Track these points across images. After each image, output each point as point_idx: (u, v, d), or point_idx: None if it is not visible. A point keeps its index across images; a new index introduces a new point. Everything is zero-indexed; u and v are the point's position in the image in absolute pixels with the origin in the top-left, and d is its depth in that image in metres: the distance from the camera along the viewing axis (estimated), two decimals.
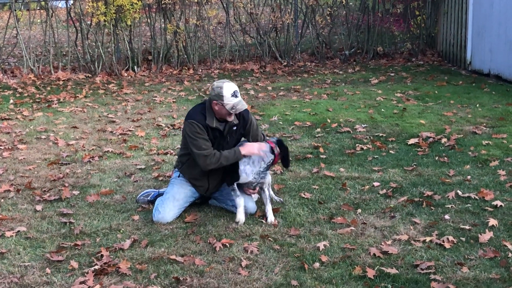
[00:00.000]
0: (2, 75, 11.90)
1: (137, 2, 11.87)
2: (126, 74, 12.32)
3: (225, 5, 13.10)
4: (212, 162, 5.02)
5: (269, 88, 10.81)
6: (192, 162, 5.19)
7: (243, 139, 5.36)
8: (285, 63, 13.13)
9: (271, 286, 4.02)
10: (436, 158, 6.56)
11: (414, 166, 6.33)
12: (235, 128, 5.20)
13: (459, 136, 7.30)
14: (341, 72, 12.25)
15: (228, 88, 4.97)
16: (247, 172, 5.06)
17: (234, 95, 4.96)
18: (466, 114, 8.41)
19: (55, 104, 9.82)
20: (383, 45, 13.67)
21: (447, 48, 12.87)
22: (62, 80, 11.74)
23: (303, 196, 5.58)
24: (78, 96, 10.37)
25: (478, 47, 11.47)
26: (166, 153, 7.07)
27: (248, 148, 5.07)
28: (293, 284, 4.02)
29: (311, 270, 4.21)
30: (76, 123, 8.59)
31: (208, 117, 5.09)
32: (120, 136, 7.86)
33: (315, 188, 5.79)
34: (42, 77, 11.98)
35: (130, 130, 8.13)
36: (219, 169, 5.11)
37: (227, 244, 4.64)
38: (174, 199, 5.18)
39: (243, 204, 5.04)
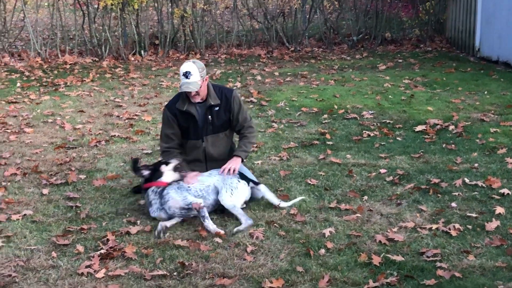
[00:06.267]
0: (9, 58, 11.90)
1: None
2: (133, 59, 12.30)
3: None
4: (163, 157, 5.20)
5: (276, 73, 10.77)
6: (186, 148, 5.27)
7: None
8: (292, 49, 13.07)
9: (276, 272, 4.02)
10: (444, 145, 6.53)
11: (421, 153, 6.30)
12: (217, 108, 5.15)
13: (466, 123, 7.25)
14: (348, 58, 12.18)
15: (182, 67, 5.01)
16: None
17: (184, 75, 4.94)
18: (474, 101, 8.36)
19: (62, 88, 9.82)
20: (391, 31, 13.58)
21: (456, 34, 12.77)
22: (69, 64, 11.73)
23: (309, 182, 5.56)
24: (85, 80, 10.36)
25: (487, 34, 11.38)
26: None
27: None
28: (298, 270, 4.02)
29: (317, 257, 4.21)
30: (82, 107, 8.59)
31: (180, 100, 5.12)
32: (126, 121, 7.86)
33: (321, 174, 5.77)
34: (49, 60, 11.98)
35: (136, 115, 8.12)
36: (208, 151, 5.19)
37: None
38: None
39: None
